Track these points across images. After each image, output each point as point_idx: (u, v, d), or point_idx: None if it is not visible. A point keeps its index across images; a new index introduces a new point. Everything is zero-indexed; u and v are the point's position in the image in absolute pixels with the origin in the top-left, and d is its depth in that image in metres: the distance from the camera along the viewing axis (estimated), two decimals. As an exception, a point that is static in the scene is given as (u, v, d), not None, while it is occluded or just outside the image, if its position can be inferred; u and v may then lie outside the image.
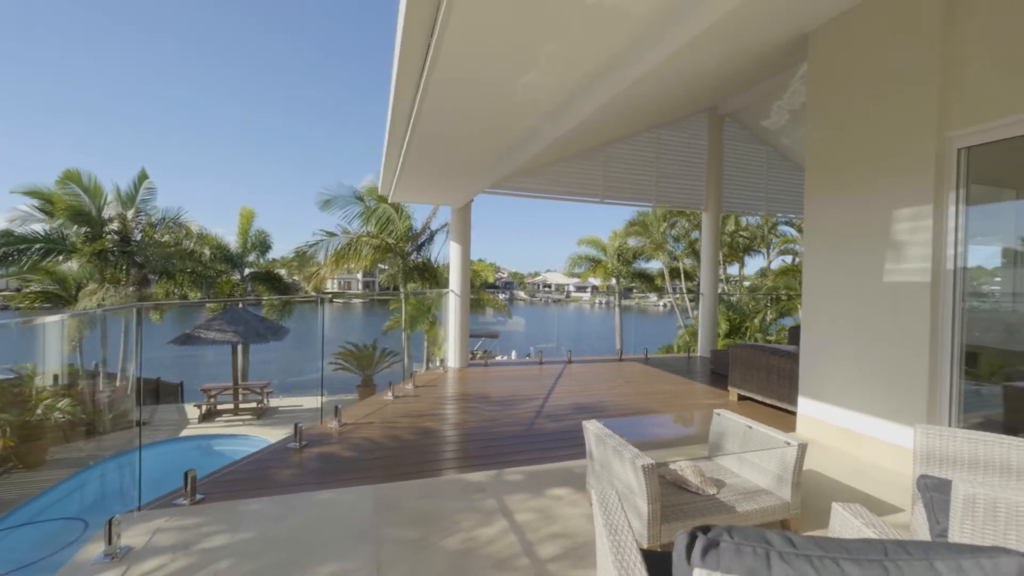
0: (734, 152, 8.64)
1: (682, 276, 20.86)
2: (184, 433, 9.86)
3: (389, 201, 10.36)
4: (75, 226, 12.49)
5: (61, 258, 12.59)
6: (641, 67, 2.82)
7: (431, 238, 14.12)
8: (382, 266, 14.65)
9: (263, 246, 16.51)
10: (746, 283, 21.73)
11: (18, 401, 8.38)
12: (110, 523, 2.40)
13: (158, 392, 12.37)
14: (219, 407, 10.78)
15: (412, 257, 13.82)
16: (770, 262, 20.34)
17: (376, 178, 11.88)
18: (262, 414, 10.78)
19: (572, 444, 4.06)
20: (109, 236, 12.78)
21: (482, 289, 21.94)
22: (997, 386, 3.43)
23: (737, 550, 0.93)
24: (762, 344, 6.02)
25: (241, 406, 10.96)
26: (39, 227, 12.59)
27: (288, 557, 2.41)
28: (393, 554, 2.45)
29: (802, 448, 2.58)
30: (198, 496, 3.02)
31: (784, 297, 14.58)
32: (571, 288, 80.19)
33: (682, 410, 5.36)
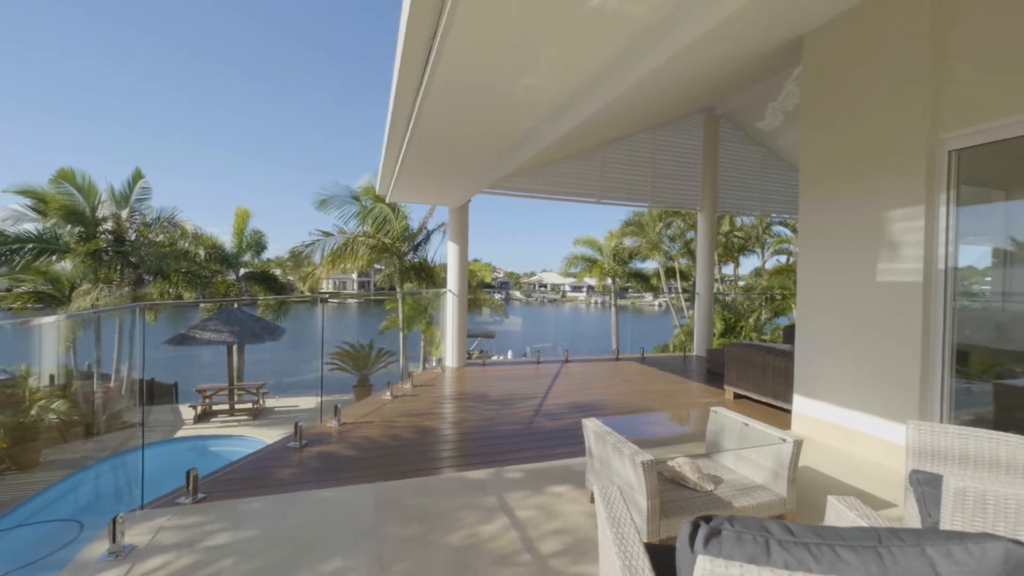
0: (729, 153, 8.71)
1: (677, 276, 21.00)
2: (179, 434, 9.83)
3: (387, 201, 10.36)
4: (69, 226, 12.38)
5: (55, 258, 12.48)
6: (641, 69, 2.85)
7: (427, 238, 14.12)
8: (378, 266, 14.63)
9: (258, 246, 16.44)
10: (741, 283, 21.88)
11: (11, 402, 8.32)
12: (114, 522, 2.41)
13: (152, 392, 12.31)
14: (215, 408, 10.75)
15: (408, 257, 13.81)
16: (764, 262, 20.51)
17: (373, 178, 11.87)
18: (258, 415, 10.76)
19: (571, 442, 4.09)
20: (103, 236, 12.67)
21: (478, 289, 21.94)
22: (987, 384, 3.50)
23: (738, 538, 0.97)
24: (757, 343, 6.09)
25: (237, 407, 10.94)
26: (32, 226, 12.49)
27: (290, 555, 2.43)
28: (395, 551, 2.48)
29: (797, 444, 2.63)
30: (200, 495, 3.03)
31: (778, 296, 14.72)
32: (567, 288, 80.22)
33: (679, 408, 5.42)
